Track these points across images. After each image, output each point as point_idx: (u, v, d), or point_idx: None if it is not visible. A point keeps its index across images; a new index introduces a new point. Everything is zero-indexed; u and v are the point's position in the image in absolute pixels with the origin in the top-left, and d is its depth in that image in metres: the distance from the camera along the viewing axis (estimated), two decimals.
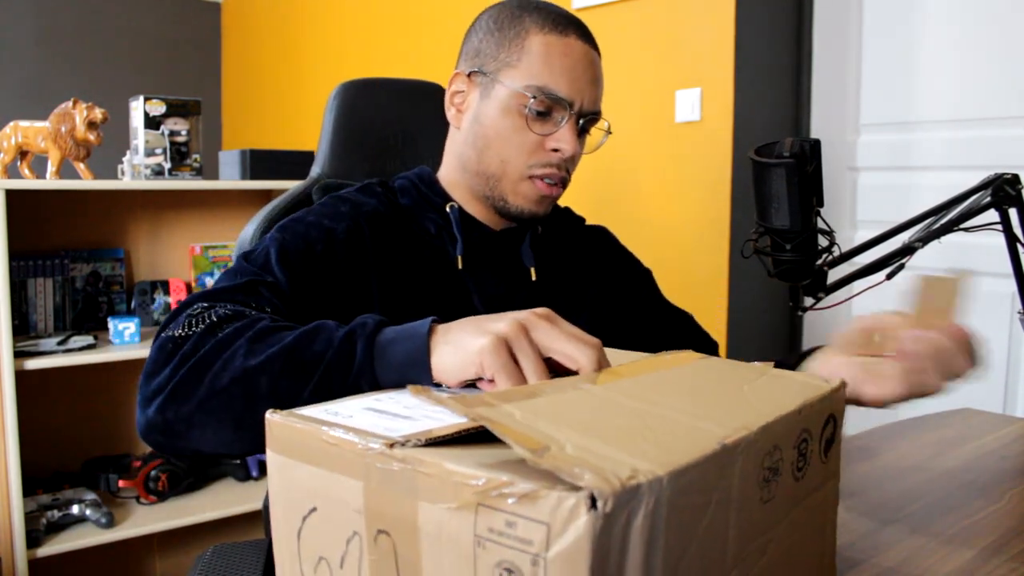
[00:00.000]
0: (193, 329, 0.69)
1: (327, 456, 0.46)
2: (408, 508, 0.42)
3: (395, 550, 0.43)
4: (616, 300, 1.09)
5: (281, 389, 0.65)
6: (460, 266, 0.97)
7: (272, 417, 0.50)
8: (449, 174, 1.02)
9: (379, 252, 0.92)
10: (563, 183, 0.97)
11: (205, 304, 0.74)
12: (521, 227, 1.02)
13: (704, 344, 1.12)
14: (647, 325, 1.10)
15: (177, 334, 0.70)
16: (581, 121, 0.95)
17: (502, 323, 0.59)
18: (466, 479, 0.39)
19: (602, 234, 1.16)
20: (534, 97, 0.92)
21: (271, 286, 0.82)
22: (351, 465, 0.45)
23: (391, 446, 0.43)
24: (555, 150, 0.93)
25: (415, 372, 0.63)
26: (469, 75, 0.97)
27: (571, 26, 0.95)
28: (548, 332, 0.59)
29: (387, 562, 0.43)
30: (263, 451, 0.55)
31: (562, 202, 1.14)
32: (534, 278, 1.01)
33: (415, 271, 0.94)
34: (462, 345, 0.60)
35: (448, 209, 0.98)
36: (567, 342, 0.58)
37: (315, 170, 1.29)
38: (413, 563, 0.42)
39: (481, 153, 0.96)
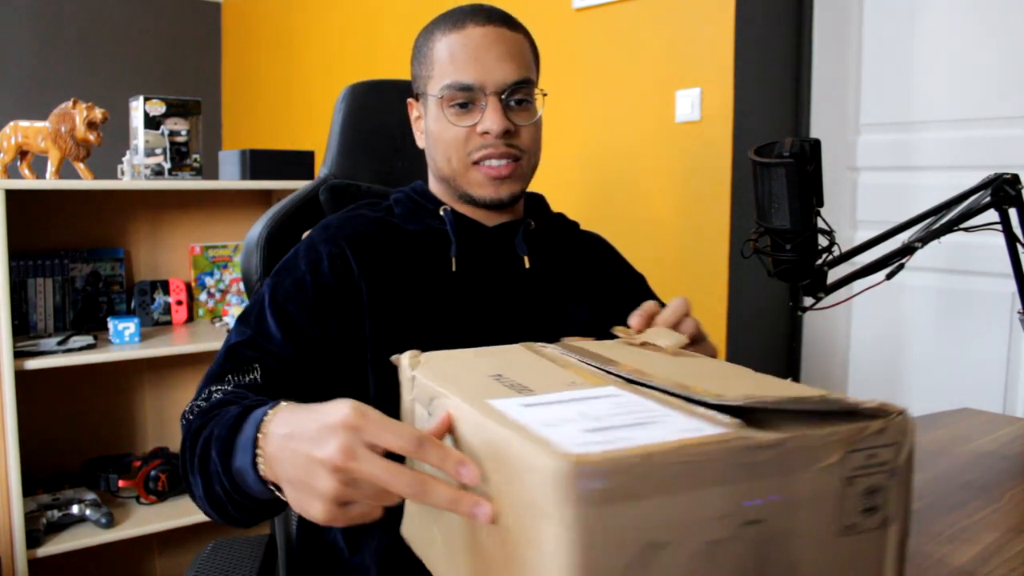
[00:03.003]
0: (185, 423, 0.84)
1: (681, 476, 0.43)
2: (781, 486, 0.46)
3: (766, 536, 0.46)
4: (612, 301, 1.09)
5: (216, 496, 0.76)
6: (454, 268, 1.01)
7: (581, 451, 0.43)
8: (433, 186, 1.09)
9: (365, 266, 0.98)
10: (512, 158, 0.99)
11: (199, 401, 0.85)
12: (513, 222, 1.06)
13: None
14: None
15: (183, 425, 0.84)
16: (504, 96, 0.97)
17: (320, 479, 0.54)
18: (834, 437, 0.47)
19: (597, 240, 1.19)
20: (442, 96, 0.98)
21: (253, 343, 0.91)
22: (710, 472, 0.44)
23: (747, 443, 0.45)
24: (485, 132, 0.97)
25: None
26: (417, 99, 1.06)
27: (467, 16, 0.99)
28: (375, 433, 0.53)
29: (758, 550, 0.46)
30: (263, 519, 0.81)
31: (557, 206, 1.15)
32: (528, 266, 1.04)
33: (407, 276, 0.99)
34: (303, 508, 0.57)
35: (442, 212, 1.04)
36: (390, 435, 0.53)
37: (323, 171, 1.30)
38: (786, 535, 0.47)
39: (436, 161, 1.03)
